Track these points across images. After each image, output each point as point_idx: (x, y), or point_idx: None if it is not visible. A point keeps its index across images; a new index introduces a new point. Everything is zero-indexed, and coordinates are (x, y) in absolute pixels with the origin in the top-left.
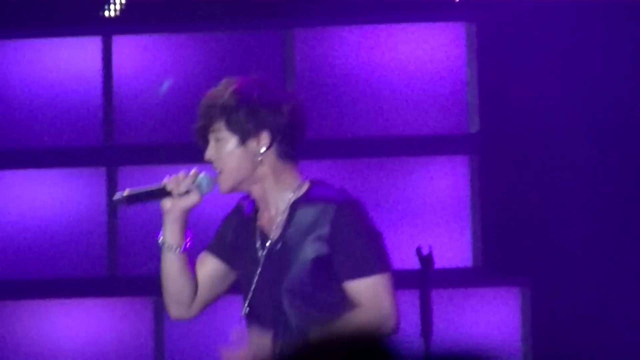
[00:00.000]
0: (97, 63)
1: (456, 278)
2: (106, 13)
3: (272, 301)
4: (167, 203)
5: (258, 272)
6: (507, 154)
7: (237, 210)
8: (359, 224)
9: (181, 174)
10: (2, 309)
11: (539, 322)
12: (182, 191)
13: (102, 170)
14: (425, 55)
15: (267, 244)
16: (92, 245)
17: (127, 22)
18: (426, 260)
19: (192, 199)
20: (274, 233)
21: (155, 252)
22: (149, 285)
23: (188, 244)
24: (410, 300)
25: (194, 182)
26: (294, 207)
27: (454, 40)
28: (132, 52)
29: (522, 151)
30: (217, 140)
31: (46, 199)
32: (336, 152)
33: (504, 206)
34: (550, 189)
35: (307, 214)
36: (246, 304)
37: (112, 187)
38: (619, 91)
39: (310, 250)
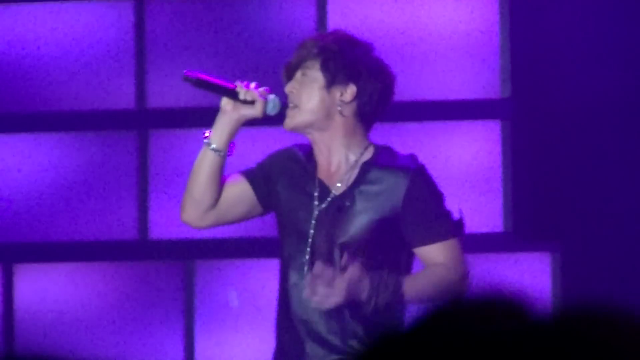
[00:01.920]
0: (129, 26)
1: (487, 243)
2: None
3: (323, 253)
4: (229, 104)
5: (313, 222)
6: (540, 119)
7: (290, 154)
8: (433, 190)
9: (253, 84)
10: (32, 272)
11: (570, 287)
12: (248, 98)
13: (134, 134)
14: (457, 18)
15: (329, 197)
16: (123, 209)
17: None
18: (457, 225)
19: (255, 110)
20: (338, 189)
21: None
22: (179, 249)
23: (230, 152)
24: None
25: (262, 95)
26: (365, 168)
27: (486, 3)
28: (165, 16)
29: (554, 116)
30: (305, 75)
31: (78, 162)
32: None
33: (535, 171)
34: (582, 154)
35: (379, 178)
36: (307, 252)
37: (143, 151)
38: None
39: (378, 210)
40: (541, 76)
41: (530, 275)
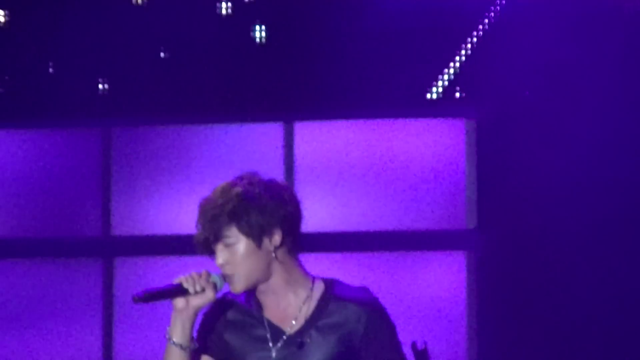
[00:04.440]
0: (98, 154)
1: None
2: None
3: None
4: (180, 302)
5: None
6: (505, 251)
7: (227, 303)
8: (390, 327)
9: (194, 274)
10: None
11: None
12: (198, 290)
13: (99, 261)
14: (424, 150)
15: (284, 337)
16: (87, 337)
17: (127, 114)
18: (421, 355)
19: (207, 296)
20: (292, 327)
21: (149, 345)
22: None
23: (196, 344)
24: None
25: (208, 280)
26: (323, 301)
27: (453, 136)
28: (132, 144)
29: (519, 248)
30: (228, 245)
31: (42, 289)
32: (333, 245)
33: (500, 302)
34: (547, 286)
35: (336, 311)
36: None
37: (108, 278)
38: (619, 189)
39: (337, 345)
40: (507, 208)
41: None
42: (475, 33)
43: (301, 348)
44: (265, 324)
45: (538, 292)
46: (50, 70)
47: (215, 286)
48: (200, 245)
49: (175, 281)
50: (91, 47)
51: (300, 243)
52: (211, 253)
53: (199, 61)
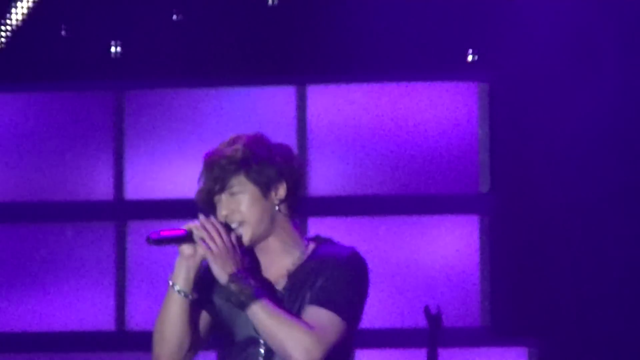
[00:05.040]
0: (110, 117)
1: (464, 337)
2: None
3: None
4: (188, 248)
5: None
6: (518, 214)
7: None
8: (353, 274)
9: (204, 222)
10: None
11: None
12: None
13: (112, 224)
14: (437, 114)
15: (274, 294)
16: (101, 300)
17: (139, 77)
18: (435, 319)
19: None
20: (280, 286)
21: None
22: None
23: (196, 294)
24: (419, 359)
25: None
26: (306, 262)
27: (466, 100)
28: (144, 107)
29: (532, 211)
30: (234, 194)
31: (56, 253)
32: (347, 209)
33: (513, 266)
34: (560, 249)
35: (313, 267)
36: (261, 354)
37: (121, 242)
38: (633, 152)
39: (308, 298)
40: (520, 171)
41: None
42: None
43: (280, 303)
44: (265, 284)
45: (551, 255)
46: (63, 32)
47: None
48: (203, 199)
49: (185, 227)
50: (104, 9)
51: (299, 206)
52: (212, 209)
53: (211, 23)
